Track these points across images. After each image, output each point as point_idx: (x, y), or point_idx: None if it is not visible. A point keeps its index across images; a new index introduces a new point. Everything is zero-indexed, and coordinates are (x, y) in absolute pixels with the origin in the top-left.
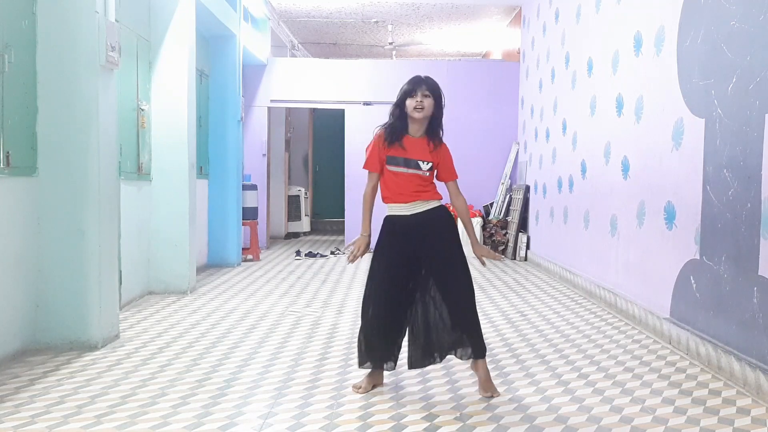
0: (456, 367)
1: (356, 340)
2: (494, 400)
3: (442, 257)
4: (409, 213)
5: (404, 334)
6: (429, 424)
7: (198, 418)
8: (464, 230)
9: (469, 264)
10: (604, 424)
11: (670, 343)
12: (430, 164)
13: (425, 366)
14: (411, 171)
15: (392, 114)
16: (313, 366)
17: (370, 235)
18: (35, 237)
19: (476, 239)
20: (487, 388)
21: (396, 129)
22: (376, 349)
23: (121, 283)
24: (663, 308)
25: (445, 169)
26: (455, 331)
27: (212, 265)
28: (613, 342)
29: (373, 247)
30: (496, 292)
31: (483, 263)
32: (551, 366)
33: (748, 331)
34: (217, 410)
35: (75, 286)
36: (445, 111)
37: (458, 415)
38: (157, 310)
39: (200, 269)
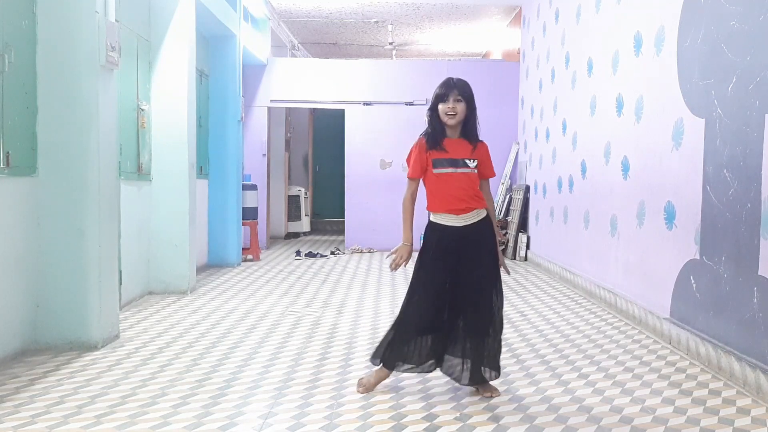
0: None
1: (382, 337)
2: (494, 400)
3: (477, 279)
4: (460, 225)
5: (435, 342)
6: (429, 424)
7: (198, 418)
8: None
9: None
10: (604, 424)
11: (670, 343)
12: (476, 161)
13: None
14: (459, 170)
15: (428, 117)
16: (313, 366)
17: (412, 244)
18: (35, 237)
19: (499, 242)
20: (487, 389)
21: (435, 133)
22: (408, 352)
23: (121, 283)
24: (663, 308)
25: (484, 167)
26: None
27: (212, 265)
28: (613, 342)
29: (418, 251)
30: None
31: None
32: (551, 366)
33: (748, 331)
34: (217, 410)
35: (75, 286)
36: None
37: (458, 415)
38: (157, 310)
39: (200, 269)
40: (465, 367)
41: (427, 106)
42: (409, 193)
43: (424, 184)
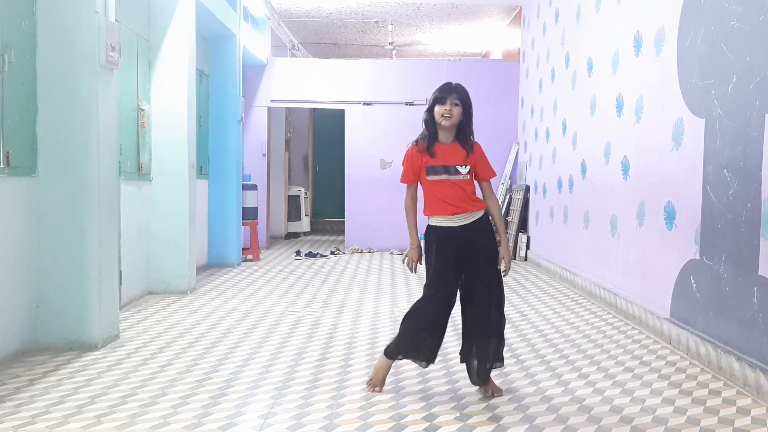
0: (456, 367)
1: (399, 331)
2: (494, 400)
3: (479, 277)
4: (456, 225)
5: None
6: (429, 424)
7: (198, 418)
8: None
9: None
10: (604, 424)
11: (670, 343)
12: (468, 167)
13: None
14: (452, 177)
15: (424, 120)
16: (313, 366)
17: (419, 246)
18: (35, 237)
19: (506, 240)
20: (490, 388)
21: (429, 137)
22: (425, 346)
23: (121, 283)
24: (663, 308)
25: (482, 168)
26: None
27: (212, 265)
28: (613, 342)
29: (425, 256)
30: None
31: (500, 266)
32: (551, 366)
33: (748, 331)
34: (217, 410)
35: (75, 286)
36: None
37: (458, 415)
38: (157, 310)
39: (200, 269)
40: (471, 366)
41: (425, 106)
42: (409, 196)
43: (422, 188)
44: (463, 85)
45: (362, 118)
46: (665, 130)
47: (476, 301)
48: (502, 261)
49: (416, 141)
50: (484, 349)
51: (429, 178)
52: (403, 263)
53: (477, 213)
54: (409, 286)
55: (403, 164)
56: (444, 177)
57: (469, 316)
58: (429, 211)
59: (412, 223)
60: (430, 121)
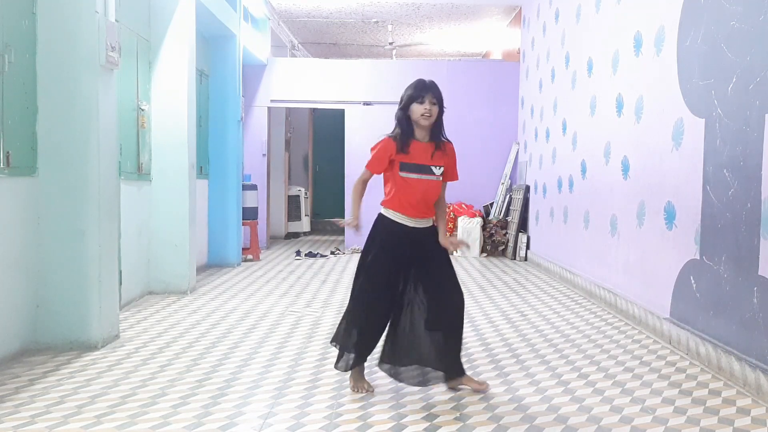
0: None
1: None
2: (494, 400)
3: (434, 269)
4: (411, 225)
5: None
6: (429, 424)
7: (198, 418)
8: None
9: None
10: (604, 424)
11: (670, 343)
12: (442, 168)
13: (397, 366)
14: (425, 177)
15: (397, 118)
16: (313, 366)
17: (359, 220)
18: (35, 237)
19: (445, 232)
20: (476, 386)
21: (403, 135)
22: (365, 346)
23: (121, 283)
24: (663, 308)
25: (450, 170)
26: (436, 346)
27: (212, 265)
28: (613, 342)
29: (366, 241)
30: (496, 292)
31: (451, 252)
32: (551, 366)
33: (748, 331)
34: (217, 410)
35: (75, 286)
36: (444, 111)
37: (458, 415)
38: (157, 310)
39: (200, 269)
40: (432, 367)
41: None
42: (362, 179)
43: (386, 180)
44: (434, 80)
45: (362, 118)
46: (665, 130)
47: (434, 296)
48: (450, 248)
49: (392, 135)
50: (445, 342)
51: (402, 174)
52: (344, 225)
53: (430, 221)
54: None
55: (372, 150)
56: (416, 176)
57: (423, 311)
58: (390, 204)
59: (357, 202)
60: (404, 119)
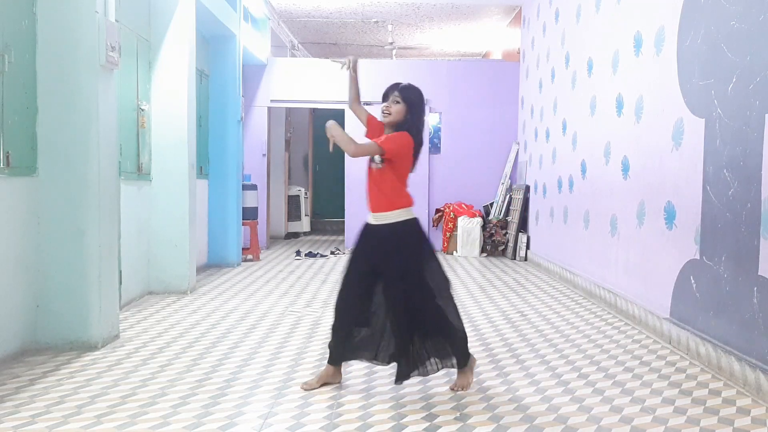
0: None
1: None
2: (494, 400)
3: (399, 277)
4: (373, 222)
5: (361, 334)
6: (429, 424)
7: (198, 418)
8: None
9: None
10: (604, 424)
11: (670, 343)
12: (381, 158)
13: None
14: (373, 166)
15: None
16: (313, 366)
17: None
18: (35, 237)
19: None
20: (463, 384)
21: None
22: (343, 346)
23: (121, 283)
24: (663, 308)
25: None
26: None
27: (212, 265)
28: (613, 342)
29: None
30: (496, 292)
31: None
32: (551, 366)
33: (748, 331)
34: (217, 410)
35: (75, 286)
36: (444, 111)
37: (458, 415)
38: (157, 310)
39: (200, 269)
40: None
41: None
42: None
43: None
44: (415, 85)
45: None
46: (665, 130)
47: (398, 298)
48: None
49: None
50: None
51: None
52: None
53: (392, 215)
54: None
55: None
56: (366, 165)
57: (390, 313)
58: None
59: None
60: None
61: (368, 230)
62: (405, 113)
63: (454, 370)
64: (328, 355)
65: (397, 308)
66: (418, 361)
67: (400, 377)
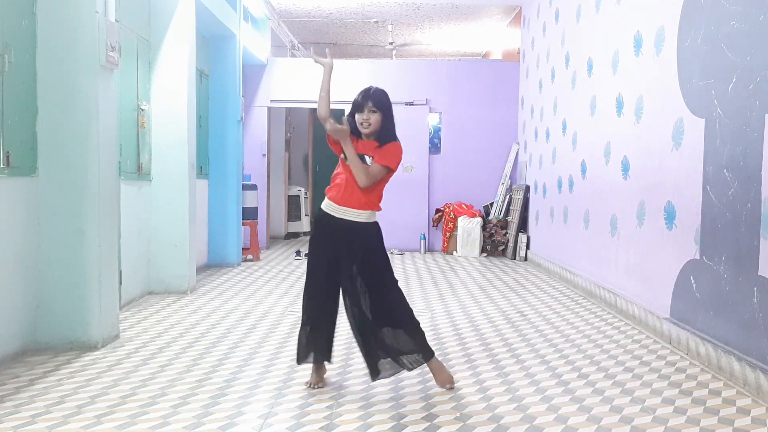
0: (456, 367)
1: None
2: (494, 400)
3: (368, 267)
4: (336, 215)
5: (334, 329)
6: (429, 424)
7: (198, 418)
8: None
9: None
10: (604, 424)
11: (670, 343)
12: (372, 159)
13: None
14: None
15: (348, 123)
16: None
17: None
18: (35, 237)
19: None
20: (445, 380)
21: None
22: (318, 343)
23: (121, 283)
24: (663, 308)
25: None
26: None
27: (212, 265)
28: (613, 342)
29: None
30: (496, 292)
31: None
32: (551, 366)
33: (748, 331)
34: (217, 410)
35: (75, 286)
36: (444, 111)
37: (458, 415)
38: (157, 310)
39: (200, 269)
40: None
41: (425, 106)
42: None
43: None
44: (382, 88)
45: None
46: (665, 130)
47: (367, 291)
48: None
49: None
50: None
51: (342, 157)
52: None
53: (363, 213)
54: (409, 287)
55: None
56: (341, 157)
57: (358, 306)
58: (328, 191)
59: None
60: (353, 125)
61: (332, 222)
62: (381, 121)
63: (454, 370)
64: (309, 356)
65: (373, 302)
66: (389, 354)
67: (376, 373)
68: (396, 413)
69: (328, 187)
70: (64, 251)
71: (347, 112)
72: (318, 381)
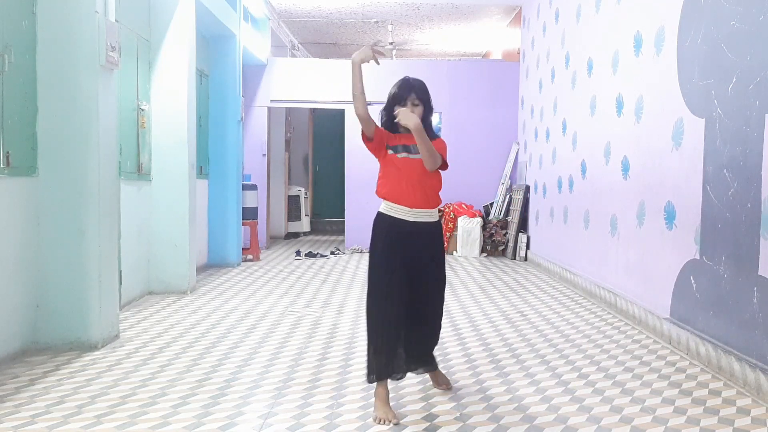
0: (456, 367)
1: (366, 348)
2: (494, 400)
3: (432, 277)
4: (411, 219)
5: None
6: (429, 424)
7: (198, 418)
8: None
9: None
10: (604, 424)
11: (670, 343)
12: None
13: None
14: (414, 156)
15: (381, 120)
16: (313, 366)
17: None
18: (35, 237)
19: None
20: (442, 381)
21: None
22: (391, 359)
23: (121, 283)
24: (663, 308)
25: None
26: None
27: (212, 265)
28: (613, 342)
29: (369, 250)
30: (496, 292)
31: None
32: (551, 366)
33: (748, 331)
34: (217, 410)
35: (75, 286)
36: (444, 111)
37: (458, 415)
38: (157, 310)
39: (200, 269)
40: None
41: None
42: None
43: (380, 168)
44: (419, 78)
45: None
46: (665, 130)
47: (430, 296)
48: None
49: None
50: (433, 336)
51: (390, 153)
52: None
53: (435, 213)
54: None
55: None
56: (405, 155)
57: (421, 308)
58: (386, 195)
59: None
60: (388, 122)
61: (409, 228)
62: (423, 114)
63: (454, 369)
64: (375, 376)
65: (437, 309)
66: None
67: (403, 372)
68: (396, 413)
69: (383, 191)
70: (64, 251)
71: (347, 112)
72: (392, 415)
